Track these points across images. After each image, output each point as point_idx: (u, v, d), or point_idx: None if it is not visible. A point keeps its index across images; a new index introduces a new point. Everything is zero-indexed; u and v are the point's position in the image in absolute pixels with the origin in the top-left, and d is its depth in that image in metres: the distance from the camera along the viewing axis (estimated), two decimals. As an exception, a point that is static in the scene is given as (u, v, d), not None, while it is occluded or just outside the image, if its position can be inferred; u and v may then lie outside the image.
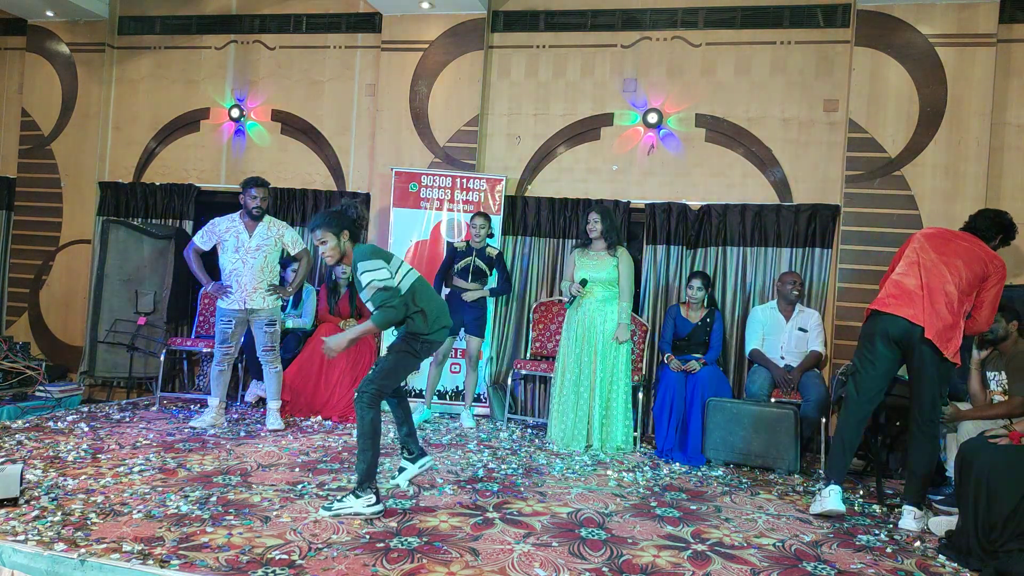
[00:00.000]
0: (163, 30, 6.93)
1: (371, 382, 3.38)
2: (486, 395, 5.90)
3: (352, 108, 6.51)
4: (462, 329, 5.48)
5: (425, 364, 5.67)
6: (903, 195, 5.34)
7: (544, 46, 6.14)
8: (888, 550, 3.21)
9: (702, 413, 4.79)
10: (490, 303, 5.67)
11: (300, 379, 5.41)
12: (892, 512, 3.78)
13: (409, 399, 5.61)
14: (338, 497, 3.31)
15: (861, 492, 4.21)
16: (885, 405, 4.07)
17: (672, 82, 5.89)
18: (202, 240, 4.92)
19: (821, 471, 4.60)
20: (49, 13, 6.85)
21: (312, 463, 4.12)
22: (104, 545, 2.72)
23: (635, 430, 5.01)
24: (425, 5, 6.05)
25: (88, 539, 2.78)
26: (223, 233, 4.90)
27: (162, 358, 5.78)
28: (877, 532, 3.46)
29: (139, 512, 3.10)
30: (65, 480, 3.51)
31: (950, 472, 3.93)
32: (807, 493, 4.11)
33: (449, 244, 5.76)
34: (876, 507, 3.89)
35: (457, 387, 5.88)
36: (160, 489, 3.45)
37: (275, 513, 3.21)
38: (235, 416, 5.28)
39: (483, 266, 5.47)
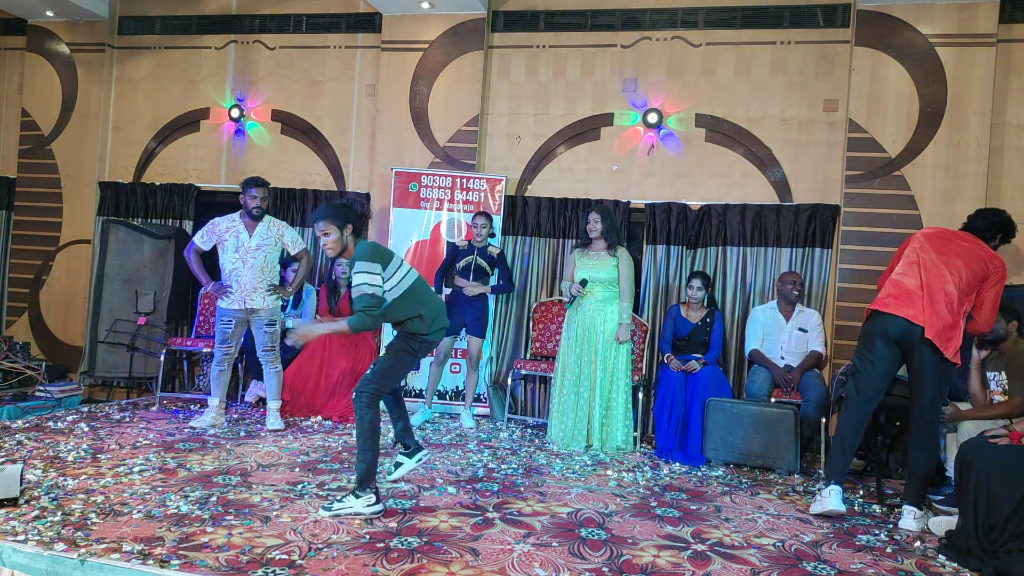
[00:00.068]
0: (163, 30, 6.93)
1: (370, 382, 3.38)
2: (486, 395, 5.90)
3: (352, 108, 6.51)
4: (463, 329, 5.48)
5: (425, 364, 5.69)
6: (903, 195, 5.34)
7: (544, 46, 6.14)
8: (888, 550, 3.21)
9: (702, 413, 4.79)
10: (491, 303, 5.67)
11: (300, 379, 5.41)
12: (892, 512, 3.78)
13: (410, 399, 5.67)
14: (338, 497, 3.31)
15: (861, 492, 4.21)
16: (885, 405, 4.07)
17: (672, 82, 5.89)
18: (202, 240, 4.92)
19: (821, 471, 4.60)
20: (49, 13, 6.86)
21: (312, 463, 4.12)
22: (104, 545, 2.72)
23: (635, 430, 5.01)
24: (425, 5, 6.05)
25: (88, 539, 2.78)
26: (223, 233, 4.90)
27: (162, 358, 5.78)
28: (877, 532, 3.46)
29: (139, 512, 3.10)
30: (65, 480, 3.51)
31: (950, 472, 3.93)
32: (807, 493, 4.11)
33: (450, 243, 5.76)
34: (876, 507, 3.89)
35: (457, 387, 5.88)
36: (160, 489, 3.45)
37: (275, 513, 3.21)
38: (235, 416, 5.28)
39: (484, 265, 5.47)
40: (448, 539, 3.01)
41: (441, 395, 5.82)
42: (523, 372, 5.78)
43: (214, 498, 3.37)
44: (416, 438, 3.78)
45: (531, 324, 5.91)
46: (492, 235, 5.59)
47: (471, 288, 5.40)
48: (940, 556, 3.16)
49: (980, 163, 5.23)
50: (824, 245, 5.51)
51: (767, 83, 5.73)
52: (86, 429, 4.62)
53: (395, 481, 3.76)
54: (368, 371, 3.44)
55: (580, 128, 6.05)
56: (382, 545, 2.90)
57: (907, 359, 3.64)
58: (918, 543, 3.33)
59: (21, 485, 3.16)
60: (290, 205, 6.47)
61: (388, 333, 5.51)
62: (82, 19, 6.93)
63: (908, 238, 3.85)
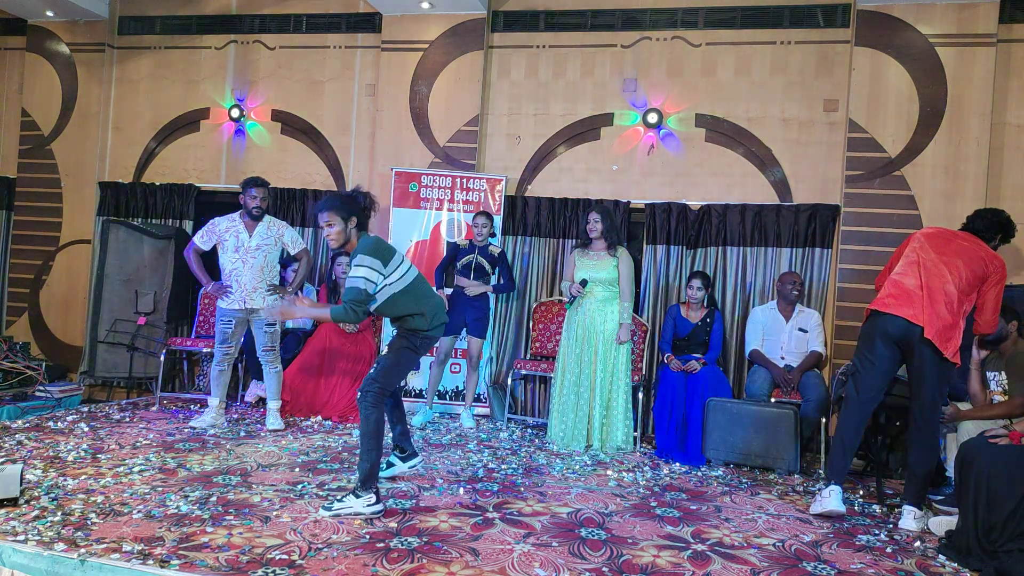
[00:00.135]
0: (163, 30, 6.93)
1: (374, 381, 3.38)
2: (486, 395, 5.90)
3: (352, 108, 6.51)
4: (463, 329, 5.48)
5: (426, 365, 5.69)
6: (903, 195, 5.34)
7: (544, 46, 6.14)
8: (888, 550, 3.21)
9: (702, 413, 4.79)
10: (491, 303, 5.67)
11: (300, 379, 5.41)
12: (892, 512, 3.78)
13: (410, 399, 5.67)
14: (338, 497, 3.31)
15: (861, 492, 4.21)
16: (885, 405, 4.07)
17: (672, 82, 5.89)
18: (202, 240, 4.92)
19: (821, 471, 4.60)
20: (49, 13, 6.86)
21: (312, 463, 4.12)
22: (104, 545, 2.72)
23: (635, 430, 5.01)
24: (425, 5, 6.05)
25: (88, 539, 2.78)
26: (223, 233, 4.90)
27: (162, 358, 5.78)
28: (877, 532, 3.46)
29: (139, 512, 3.10)
30: (65, 480, 3.51)
31: (950, 472, 3.93)
32: (807, 493, 4.11)
33: (451, 243, 5.76)
34: (876, 507, 3.89)
35: (457, 387, 5.88)
36: (160, 489, 3.45)
37: (275, 513, 3.21)
38: (235, 416, 5.28)
39: (485, 264, 5.47)
40: (448, 539, 3.01)
41: (441, 395, 5.82)
42: (523, 372, 5.77)
43: (214, 498, 3.37)
44: (413, 444, 3.81)
45: (531, 324, 5.91)
46: (493, 235, 5.60)
47: (473, 288, 5.40)
48: (940, 556, 3.16)
49: (980, 163, 5.23)
50: (824, 245, 5.51)
51: (767, 83, 5.73)
52: (86, 429, 4.62)
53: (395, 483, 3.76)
54: (371, 370, 3.45)
55: (580, 128, 6.05)
56: (382, 545, 2.90)
57: (907, 359, 3.64)
58: (918, 543, 3.33)
59: (21, 485, 3.16)
60: (290, 205, 6.47)
61: (388, 333, 5.51)
62: (82, 19, 6.93)
63: (908, 238, 3.85)
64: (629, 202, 5.86)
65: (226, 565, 2.62)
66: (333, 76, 6.56)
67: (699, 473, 4.46)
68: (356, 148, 6.49)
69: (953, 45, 5.28)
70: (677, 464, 4.64)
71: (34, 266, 7.03)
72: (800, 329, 5.16)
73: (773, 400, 4.89)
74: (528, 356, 5.88)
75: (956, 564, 3.06)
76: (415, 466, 3.81)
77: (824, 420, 4.80)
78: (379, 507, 3.26)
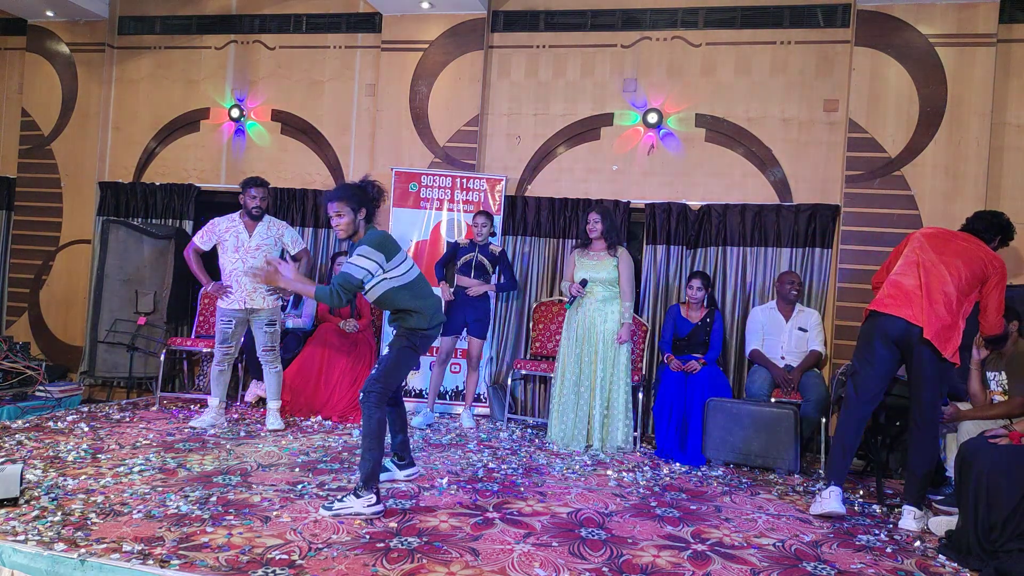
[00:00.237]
0: (163, 30, 6.93)
1: (376, 380, 3.39)
2: (486, 395, 5.90)
3: (352, 108, 6.51)
4: (464, 329, 5.48)
5: (426, 365, 5.69)
6: (903, 195, 5.34)
7: (544, 46, 6.14)
8: (888, 550, 3.21)
9: (702, 413, 4.79)
10: (491, 304, 5.67)
11: (300, 379, 5.41)
12: (892, 512, 3.78)
13: (411, 399, 5.67)
14: (338, 497, 3.31)
15: (861, 492, 4.21)
16: (885, 405, 4.07)
17: (672, 82, 5.89)
18: (202, 240, 4.92)
19: (821, 471, 4.60)
20: (49, 13, 6.86)
21: (312, 463, 4.12)
22: (104, 545, 2.72)
23: (635, 430, 5.01)
24: (425, 5, 6.05)
25: (88, 539, 2.78)
26: (223, 233, 4.91)
27: (162, 358, 5.78)
28: (877, 532, 3.46)
29: (139, 512, 3.10)
30: (65, 480, 3.51)
31: (950, 472, 3.93)
32: (807, 493, 4.11)
33: (451, 242, 5.76)
34: (876, 507, 3.89)
35: (457, 387, 5.88)
36: (160, 489, 3.45)
37: (275, 513, 3.21)
38: (235, 416, 5.28)
39: (486, 262, 5.48)
40: (448, 539, 3.01)
41: (441, 395, 5.82)
42: (523, 372, 5.77)
43: (214, 498, 3.37)
44: (412, 455, 3.84)
45: (531, 324, 5.91)
46: (493, 234, 5.60)
47: (476, 288, 5.40)
48: (940, 556, 3.16)
49: (980, 163, 5.23)
50: (824, 245, 5.51)
51: (767, 83, 5.73)
52: (86, 429, 4.62)
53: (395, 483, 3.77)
54: (373, 370, 3.45)
55: (580, 128, 6.05)
56: (382, 545, 2.90)
57: (906, 360, 3.64)
58: (918, 543, 3.33)
59: (21, 485, 3.16)
60: (290, 205, 6.47)
61: (388, 333, 5.50)
62: (82, 19, 6.93)
63: (906, 237, 3.85)
64: (629, 202, 5.86)
65: (226, 565, 2.62)
66: (333, 76, 6.56)
67: (699, 473, 4.46)
68: (356, 148, 6.49)
69: (953, 45, 5.28)
70: (677, 464, 4.64)
71: (34, 266, 7.03)
72: (800, 328, 5.16)
73: (773, 400, 4.89)
74: (528, 356, 5.88)
75: (956, 564, 3.06)
76: (411, 476, 3.82)
77: (824, 420, 4.80)
78: (379, 507, 3.26)
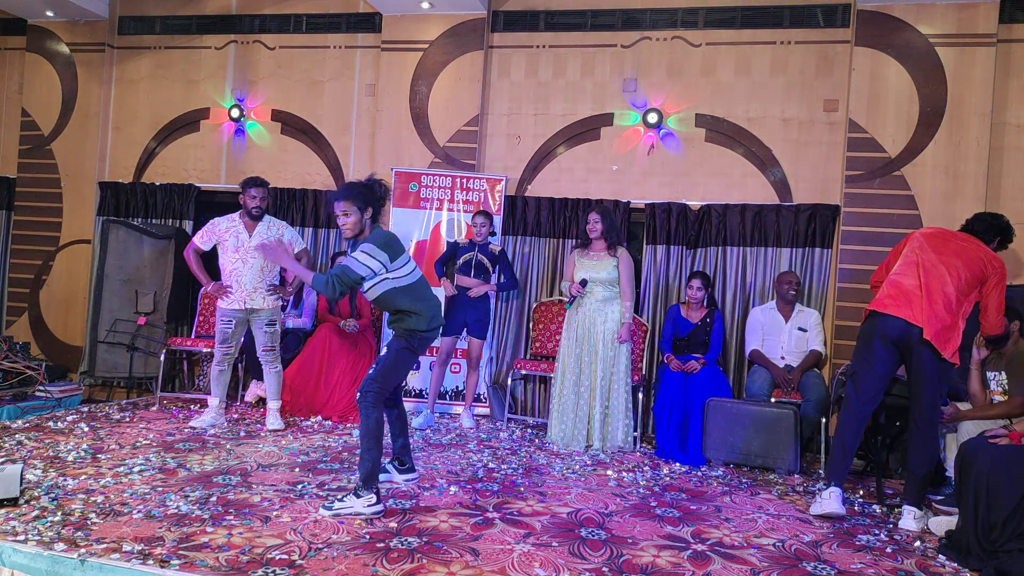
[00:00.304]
0: (163, 30, 6.93)
1: (373, 380, 3.39)
2: (486, 395, 5.90)
3: (352, 108, 6.51)
4: (464, 329, 5.48)
5: (426, 366, 5.69)
6: (903, 195, 5.34)
7: (544, 46, 6.14)
8: (888, 550, 3.21)
9: (702, 413, 4.79)
10: (491, 304, 5.67)
11: (300, 379, 5.41)
12: (892, 512, 3.78)
13: (411, 399, 5.67)
14: (338, 497, 3.31)
15: (861, 492, 4.21)
16: (885, 405, 4.07)
17: (672, 82, 5.89)
18: (202, 240, 4.92)
19: (821, 471, 4.60)
20: (49, 13, 6.86)
21: (312, 463, 4.12)
22: (104, 545, 2.72)
23: (635, 430, 5.02)
24: (425, 5, 6.05)
25: (88, 539, 2.78)
26: (223, 233, 4.90)
27: (162, 358, 5.78)
28: (877, 532, 3.46)
29: (139, 512, 3.10)
30: (65, 480, 3.51)
31: (950, 472, 3.93)
32: (807, 493, 4.11)
33: (451, 242, 5.76)
34: (876, 507, 3.89)
35: (457, 387, 5.88)
36: (160, 489, 3.45)
37: (275, 513, 3.21)
38: (235, 416, 5.28)
39: (486, 261, 5.48)
40: (448, 539, 3.01)
41: (441, 395, 5.82)
42: (523, 372, 5.78)
43: (214, 498, 3.37)
44: (413, 460, 3.83)
45: (531, 324, 5.91)
46: (493, 233, 5.60)
47: (477, 289, 5.40)
48: (940, 556, 3.16)
49: (980, 163, 5.23)
50: (824, 245, 5.51)
51: (767, 83, 5.73)
52: (86, 429, 4.62)
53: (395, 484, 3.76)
54: (371, 370, 3.45)
55: (580, 128, 6.05)
56: (382, 545, 2.90)
57: (906, 360, 3.64)
58: (918, 543, 3.33)
59: (21, 485, 3.16)
60: (290, 205, 6.47)
61: (388, 333, 5.50)
62: (82, 19, 6.93)
63: (906, 237, 3.85)
64: (629, 202, 5.86)
65: (226, 565, 2.62)
66: (333, 76, 6.56)
67: (699, 473, 4.46)
68: (356, 148, 6.49)
69: (953, 45, 5.28)
70: (677, 464, 4.64)
71: (34, 266, 7.03)
72: (800, 328, 5.16)
73: (773, 400, 4.89)
74: (528, 356, 5.88)
75: (956, 564, 3.06)
76: (410, 481, 3.79)
77: (824, 420, 4.80)
78: (379, 507, 3.26)
